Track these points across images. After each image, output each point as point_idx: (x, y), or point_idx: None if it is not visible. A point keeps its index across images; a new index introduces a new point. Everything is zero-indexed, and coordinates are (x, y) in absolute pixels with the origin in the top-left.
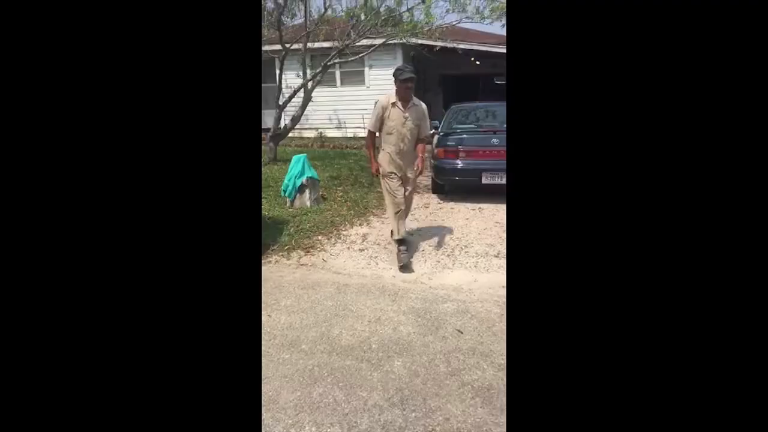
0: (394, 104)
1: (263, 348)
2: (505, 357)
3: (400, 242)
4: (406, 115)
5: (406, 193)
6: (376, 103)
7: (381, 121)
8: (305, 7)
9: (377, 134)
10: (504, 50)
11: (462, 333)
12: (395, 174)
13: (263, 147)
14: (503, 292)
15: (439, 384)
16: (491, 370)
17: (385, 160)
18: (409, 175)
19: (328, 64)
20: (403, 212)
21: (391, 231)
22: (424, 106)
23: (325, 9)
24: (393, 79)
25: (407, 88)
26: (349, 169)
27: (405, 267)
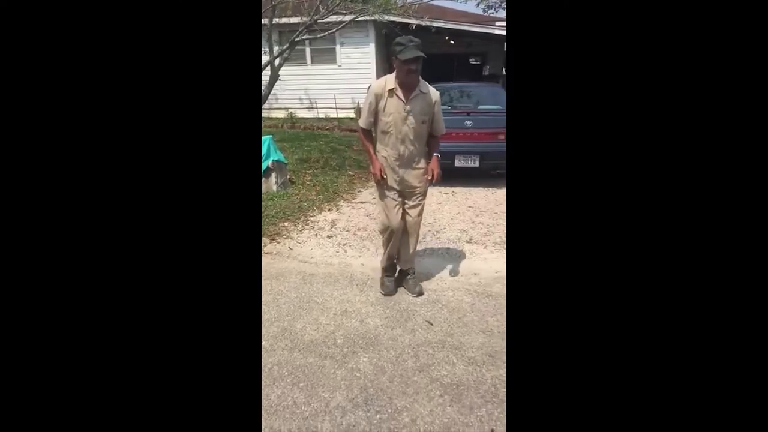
0: (392, 92)
1: None
2: (474, 350)
3: (386, 270)
4: (408, 107)
5: (410, 217)
6: (368, 89)
7: (375, 115)
8: None
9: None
10: (479, 29)
11: (432, 324)
12: (393, 189)
13: None
14: (475, 279)
15: (406, 381)
16: (461, 364)
17: (382, 167)
18: (416, 186)
19: (296, 40)
20: (397, 238)
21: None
22: (435, 93)
23: None
24: (392, 57)
25: (410, 71)
26: (319, 151)
27: (388, 294)
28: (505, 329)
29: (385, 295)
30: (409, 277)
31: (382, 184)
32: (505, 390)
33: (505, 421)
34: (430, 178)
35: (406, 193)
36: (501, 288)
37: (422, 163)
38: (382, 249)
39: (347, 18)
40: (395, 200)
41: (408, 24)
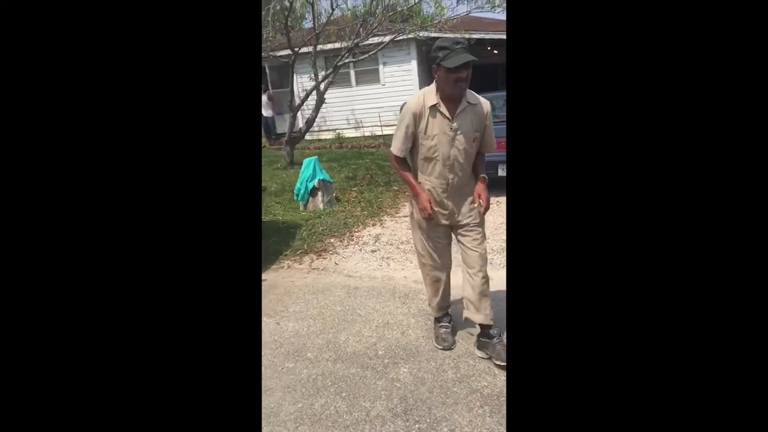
0: (434, 109)
1: (269, 358)
2: None
3: (440, 319)
4: (456, 125)
5: (472, 251)
6: (402, 108)
7: (413, 140)
8: (312, 9)
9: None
10: None
11: (474, 335)
12: (441, 226)
13: (280, 152)
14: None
15: (446, 392)
16: (502, 375)
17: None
18: (469, 216)
19: (339, 64)
20: (449, 284)
21: (429, 299)
22: (486, 103)
23: (332, 9)
24: (432, 67)
25: (459, 79)
26: (365, 168)
27: (448, 348)
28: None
29: (443, 349)
30: (496, 341)
31: (426, 224)
32: None
33: None
34: (481, 206)
35: (458, 226)
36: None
37: (471, 188)
38: (430, 299)
39: (387, 38)
40: (443, 240)
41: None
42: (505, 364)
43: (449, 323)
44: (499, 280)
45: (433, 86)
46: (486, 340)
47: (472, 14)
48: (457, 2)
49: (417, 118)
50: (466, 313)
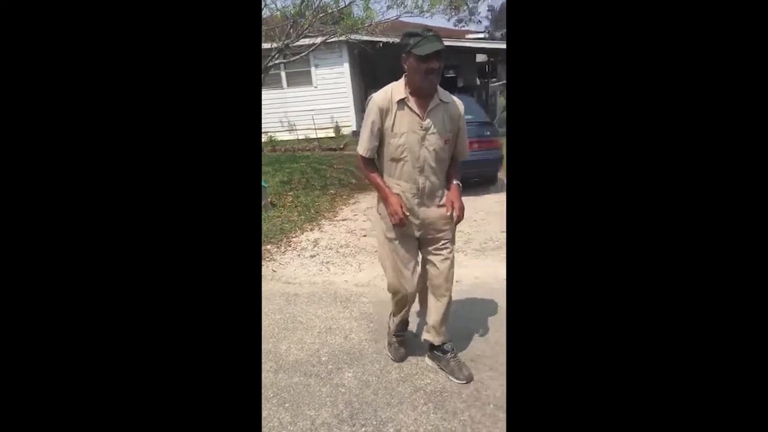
0: (402, 103)
1: None
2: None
3: (396, 333)
4: (427, 122)
5: (437, 270)
6: (368, 101)
7: (380, 137)
8: None
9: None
10: (451, 43)
11: (416, 335)
12: (411, 236)
13: None
14: (457, 287)
15: (390, 392)
16: (443, 371)
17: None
18: (442, 229)
19: (269, 65)
20: (412, 302)
21: (388, 323)
22: (460, 104)
23: (260, 9)
24: (402, 56)
25: (430, 71)
26: (300, 172)
27: (400, 360)
28: (487, 334)
29: (396, 361)
30: (450, 356)
31: (395, 232)
32: (486, 393)
33: (487, 423)
34: (455, 214)
35: (427, 239)
36: (482, 293)
37: (444, 197)
38: (393, 312)
39: (318, 40)
40: (412, 252)
41: (377, 42)
42: (463, 380)
43: (404, 335)
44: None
45: (401, 80)
46: (440, 354)
47: (401, 19)
48: (387, 7)
49: (384, 113)
50: (425, 336)
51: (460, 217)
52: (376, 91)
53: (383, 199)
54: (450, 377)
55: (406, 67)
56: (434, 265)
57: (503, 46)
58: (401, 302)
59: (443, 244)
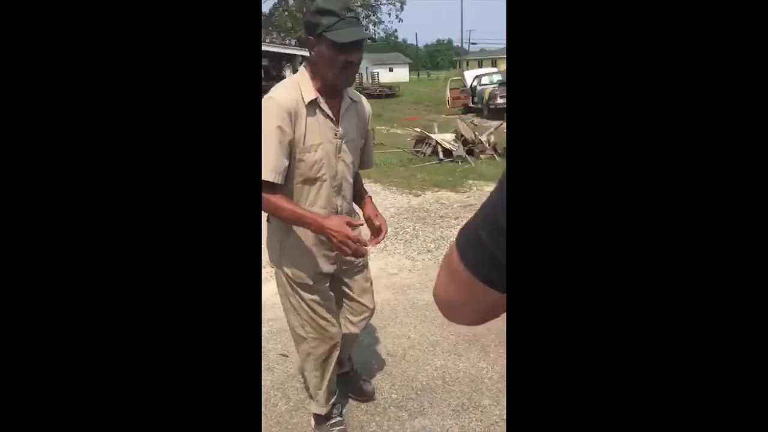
0: (313, 105)
1: None
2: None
3: (328, 416)
4: (341, 130)
5: (354, 298)
6: (264, 101)
7: (289, 152)
8: None
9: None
10: None
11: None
12: (325, 272)
13: None
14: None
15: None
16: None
17: (300, 249)
18: (357, 261)
19: None
20: (336, 353)
21: (308, 389)
22: (368, 104)
23: None
24: (309, 39)
25: (351, 63)
26: None
27: None
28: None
29: None
30: (362, 382)
31: (301, 284)
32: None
33: None
34: (378, 238)
35: (342, 270)
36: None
37: (362, 215)
38: (316, 385)
39: None
40: (330, 296)
41: None
42: (372, 397)
43: (341, 417)
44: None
45: (304, 73)
46: (352, 382)
47: None
48: None
49: (293, 118)
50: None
51: (384, 233)
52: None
53: (317, 230)
54: (357, 399)
55: (313, 54)
56: (351, 296)
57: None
58: (325, 364)
59: (360, 270)
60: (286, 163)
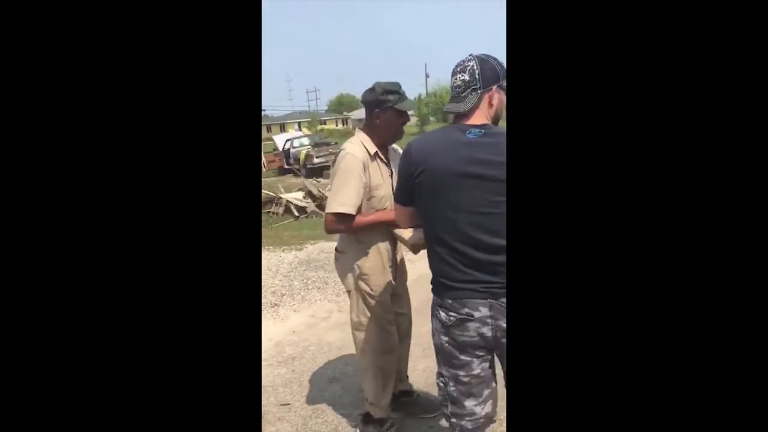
0: (375, 155)
1: None
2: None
3: (382, 421)
4: (390, 170)
5: (405, 317)
6: (340, 155)
7: (363, 192)
8: None
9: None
10: None
11: (289, 404)
12: (388, 288)
13: None
14: (296, 338)
15: None
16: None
17: (375, 266)
18: (399, 283)
19: None
20: (396, 362)
21: (367, 399)
22: (400, 150)
23: None
24: (375, 111)
25: (404, 123)
26: None
27: None
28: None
29: None
30: (417, 395)
31: (374, 295)
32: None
33: None
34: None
35: (397, 292)
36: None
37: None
38: (378, 393)
39: None
40: (391, 304)
41: None
42: (440, 413)
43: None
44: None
45: (363, 134)
46: (412, 399)
47: None
48: None
49: (365, 167)
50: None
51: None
52: None
53: (377, 220)
54: (423, 416)
55: (378, 121)
56: (401, 313)
57: None
58: (387, 374)
59: (402, 291)
60: (360, 200)
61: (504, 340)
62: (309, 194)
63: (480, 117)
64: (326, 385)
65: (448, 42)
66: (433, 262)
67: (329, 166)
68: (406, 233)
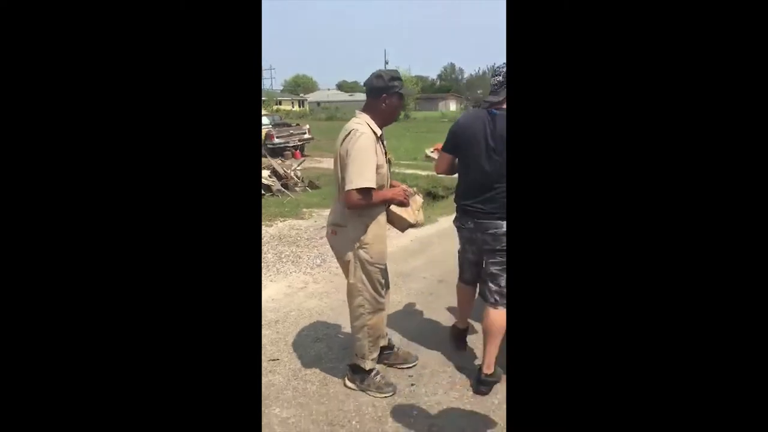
0: (379, 138)
1: None
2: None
3: (370, 371)
4: (386, 152)
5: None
6: (354, 134)
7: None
8: None
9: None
10: None
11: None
12: (384, 257)
13: None
14: (275, 305)
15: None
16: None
17: (376, 236)
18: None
19: None
20: (385, 321)
21: (357, 354)
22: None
23: None
24: (383, 96)
25: (401, 106)
26: None
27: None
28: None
29: (391, 395)
30: (397, 348)
31: (375, 263)
32: None
33: None
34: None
35: None
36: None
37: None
38: (368, 349)
39: None
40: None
41: None
42: (412, 363)
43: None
44: None
45: (367, 116)
46: (392, 352)
47: None
48: None
49: (375, 147)
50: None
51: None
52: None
53: (393, 195)
54: (400, 366)
55: (385, 105)
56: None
57: None
58: (377, 329)
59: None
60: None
61: (483, 238)
62: (274, 173)
63: (504, 104)
64: (311, 344)
65: (406, 28)
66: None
67: (290, 147)
68: (404, 212)
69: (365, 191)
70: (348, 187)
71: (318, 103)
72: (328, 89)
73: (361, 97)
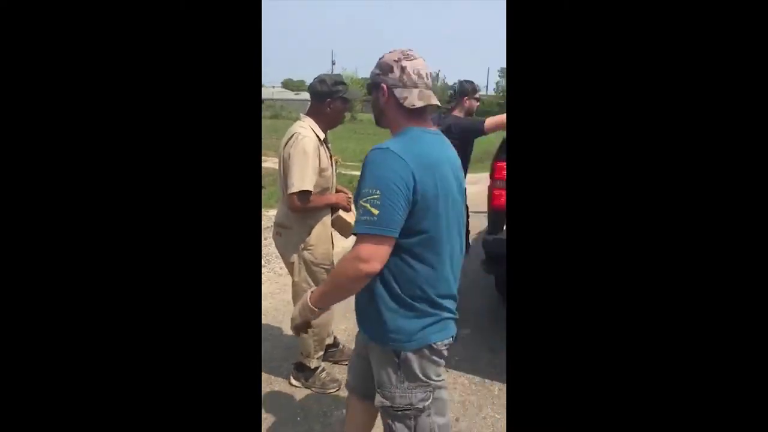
0: (323, 142)
1: None
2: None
3: (315, 369)
4: (330, 155)
5: None
6: (296, 138)
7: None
8: None
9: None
10: None
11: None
12: (328, 257)
13: None
14: None
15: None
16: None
17: (320, 237)
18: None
19: None
20: (331, 323)
21: (302, 352)
22: None
23: None
24: (327, 101)
25: (345, 110)
26: None
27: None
28: None
29: (336, 391)
30: (342, 346)
31: (320, 265)
32: None
33: None
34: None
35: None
36: None
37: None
38: (315, 348)
39: None
40: None
41: None
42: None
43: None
44: None
45: (309, 120)
46: (336, 349)
47: None
48: None
49: (317, 150)
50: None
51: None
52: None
53: (337, 201)
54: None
55: (329, 109)
56: None
57: None
58: (325, 329)
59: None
60: (315, 179)
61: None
62: None
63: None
64: None
65: (355, 30)
66: None
67: None
68: (350, 217)
69: (303, 194)
70: (290, 191)
71: (261, 101)
72: (273, 86)
73: (308, 96)
